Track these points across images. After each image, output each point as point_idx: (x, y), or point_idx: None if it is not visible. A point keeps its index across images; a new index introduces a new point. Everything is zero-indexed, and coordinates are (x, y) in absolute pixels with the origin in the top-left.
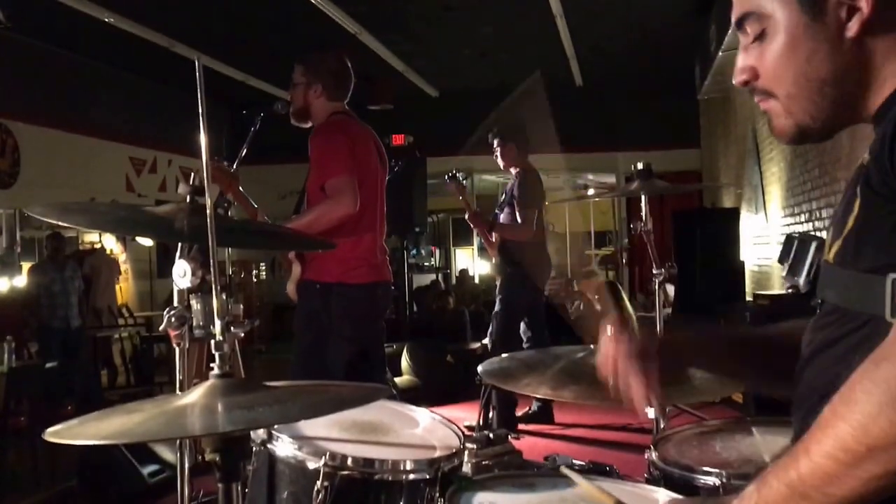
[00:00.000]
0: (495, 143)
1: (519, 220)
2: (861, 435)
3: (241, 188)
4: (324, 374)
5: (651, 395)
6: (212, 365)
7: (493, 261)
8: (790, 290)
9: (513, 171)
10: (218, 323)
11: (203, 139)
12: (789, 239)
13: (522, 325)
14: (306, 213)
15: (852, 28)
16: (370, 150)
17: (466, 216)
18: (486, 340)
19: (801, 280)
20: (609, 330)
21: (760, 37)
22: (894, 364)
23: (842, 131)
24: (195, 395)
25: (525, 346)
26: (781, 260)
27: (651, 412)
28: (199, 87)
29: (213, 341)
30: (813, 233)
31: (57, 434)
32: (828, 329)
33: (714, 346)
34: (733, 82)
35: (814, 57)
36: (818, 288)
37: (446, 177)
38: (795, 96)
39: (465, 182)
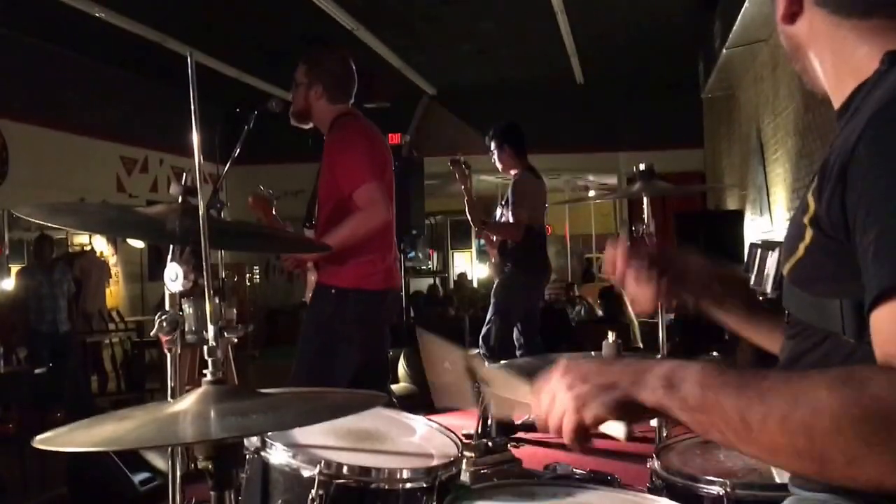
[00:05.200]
0: (492, 146)
1: (511, 220)
2: (809, 427)
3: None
4: (330, 380)
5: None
6: (204, 371)
7: (493, 261)
8: (760, 298)
9: (512, 172)
10: (211, 328)
11: (195, 138)
12: (752, 246)
13: (515, 332)
14: (342, 226)
15: (780, 12)
16: (385, 152)
17: (466, 206)
18: (481, 347)
19: (769, 288)
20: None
21: None
22: (867, 389)
23: None
24: (187, 402)
25: (518, 353)
26: (747, 269)
27: (653, 420)
28: (191, 84)
29: (205, 346)
30: (775, 239)
31: (47, 441)
32: (794, 340)
33: (724, 280)
34: None
35: (777, 27)
36: (783, 298)
37: (449, 161)
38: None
39: (467, 170)
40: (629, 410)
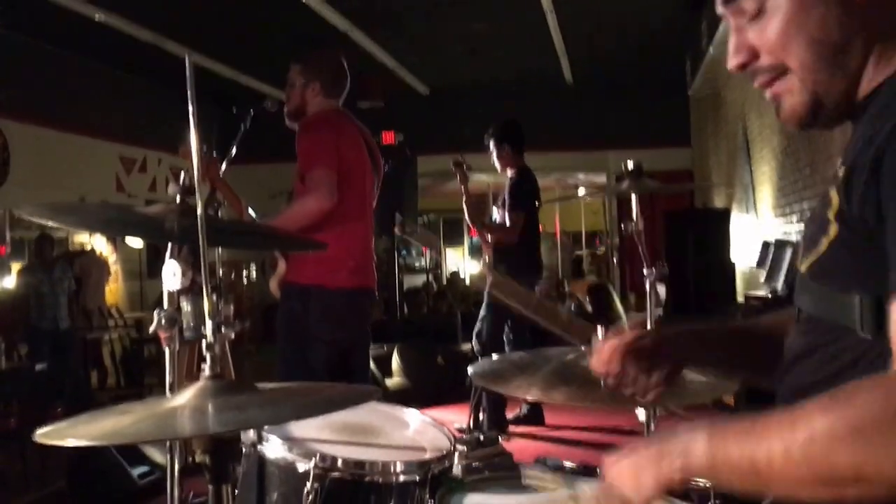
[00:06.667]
0: (491, 143)
1: (508, 222)
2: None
3: (222, 177)
4: (307, 377)
5: (654, 392)
6: (202, 366)
7: (486, 259)
8: (770, 295)
9: (508, 172)
10: (208, 324)
11: (193, 137)
12: (766, 245)
13: (505, 328)
14: (285, 209)
15: None
16: (358, 147)
17: (464, 204)
18: (474, 343)
19: (779, 285)
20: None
21: (759, 14)
22: (854, 401)
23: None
24: (185, 397)
25: (507, 348)
26: (760, 265)
27: (641, 415)
28: (188, 84)
29: (203, 342)
30: (788, 238)
31: (47, 435)
32: (805, 337)
33: (707, 342)
34: (728, 67)
35: (824, 22)
36: (795, 296)
37: (452, 161)
38: (811, 65)
39: (468, 171)
40: (668, 488)
